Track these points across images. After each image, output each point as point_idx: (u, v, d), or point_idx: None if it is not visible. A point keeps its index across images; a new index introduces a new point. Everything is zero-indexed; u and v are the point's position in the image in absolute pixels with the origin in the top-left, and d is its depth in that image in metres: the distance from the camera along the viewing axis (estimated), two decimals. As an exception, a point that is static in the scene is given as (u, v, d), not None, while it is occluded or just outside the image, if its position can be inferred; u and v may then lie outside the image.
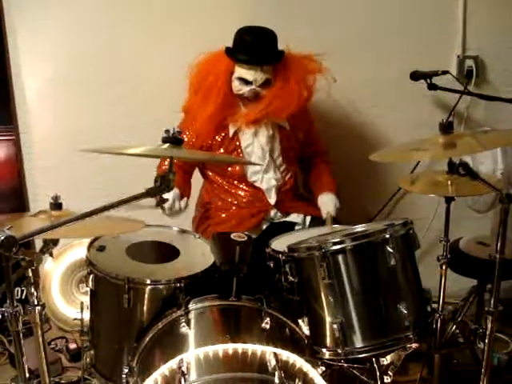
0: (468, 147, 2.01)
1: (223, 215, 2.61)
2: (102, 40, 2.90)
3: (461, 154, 2.18)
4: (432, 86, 2.85)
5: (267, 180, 2.59)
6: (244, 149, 2.55)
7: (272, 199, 2.60)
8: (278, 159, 2.61)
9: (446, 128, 1.95)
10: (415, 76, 2.87)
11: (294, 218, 2.65)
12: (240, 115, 2.49)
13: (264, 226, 2.63)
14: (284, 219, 2.65)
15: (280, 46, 2.51)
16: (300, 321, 1.92)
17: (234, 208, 2.61)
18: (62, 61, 2.91)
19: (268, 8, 2.92)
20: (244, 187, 2.60)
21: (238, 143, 2.55)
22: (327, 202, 2.57)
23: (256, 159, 2.56)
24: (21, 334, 1.45)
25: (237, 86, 2.46)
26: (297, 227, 2.61)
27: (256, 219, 2.60)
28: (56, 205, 1.82)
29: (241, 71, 2.43)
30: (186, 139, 2.48)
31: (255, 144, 2.55)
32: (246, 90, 2.44)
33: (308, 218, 2.64)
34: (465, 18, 3.03)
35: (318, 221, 2.58)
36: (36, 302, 1.65)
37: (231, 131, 2.53)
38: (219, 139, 2.54)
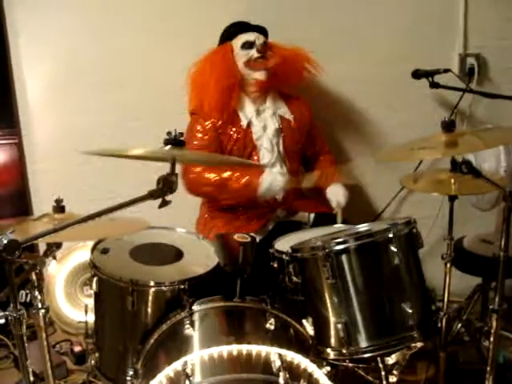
0: (471, 145, 2.01)
1: (229, 216, 2.62)
2: (104, 42, 2.91)
3: (463, 152, 2.18)
4: (434, 85, 2.84)
5: None
6: (256, 141, 2.59)
7: (279, 196, 2.60)
8: (283, 154, 2.63)
9: (448, 126, 1.94)
10: (417, 74, 2.86)
11: (299, 216, 2.66)
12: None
13: (270, 227, 2.63)
14: (290, 219, 2.66)
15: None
16: (304, 321, 1.92)
17: (240, 208, 2.61)
18: (63, 64, 2.92)
19: (271, 8, 2.92)
20: None
21: (250, 135, 2.59)
22: (337, 193, 2.57)
23: (265, 152, 2.59)
24: (24, 338, 1.45)
25: (243, 55, 2.57)
26: (302, 226, 2.61)
27: (263, 220, 2.60)
28: (59, 208, 1.82)
29: (242, 37, 2.59)
30: (199, 135, 2.56)
31: (264, 137, 2.59)
32: (253, 51, 2.57)
33: (312, 216, 2.64)
34: (466, 15, 3.02)
35: (321, 217, 2.59)
36: (40, 306, 1.66)
37: (244, 122, 2.58)
38: (232, 133, 2.58)
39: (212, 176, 2.49)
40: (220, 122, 2.57)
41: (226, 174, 2.48)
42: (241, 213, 2.61)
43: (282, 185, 2.48)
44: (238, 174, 2.48)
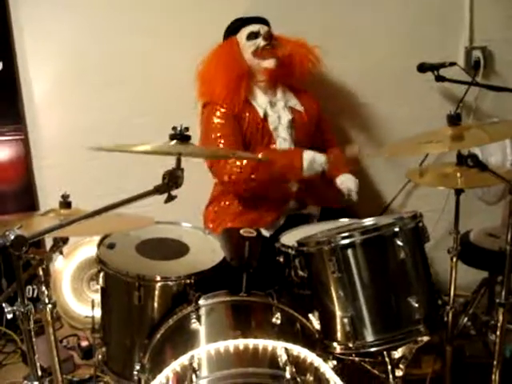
0: (477, 139, 2.00)
1: (240, 208, 2.62)
2: (108, 40, 2.92)
3: (469, 145, 2.17)
4: (440, 78, 2.84)
5: None
6: (272, 131, 2.61)
7: (294, 186, 2.59)
8: (296, 145, 2.64)
9: (454, 120, 1.94)
10: (422, 68, 2.86)
11: (310, 210, 2.66)
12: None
13: (282, 222, 2.61)
14: (300, 211, 2.66)
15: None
16: (310, 315, 1.92)
17: (252, 201, 2.59)
18: (69, 60, 2.93)
19: (273, 5, 2.92)
20: None
21: (267, 126, 2.60)
22: (347, 181, 2.58)
23: (282, 142, 2.61)
24: (32, 333, 1.45)
25: (250, 45, 2.61)
26: (312, 219, 2.61)
27: (275, 213, 2.59)
28: (65, 203, 1.83)
29: (246, 29, 2.62)
30: (219, 121, 2.55)
31: (280, 127, 2.62)
32: (259, 40, 2.60)
33: (319, 209, 2.66)
34: (472, 8, 3.01)
35: (329, 211, 2.60)
36: (47, 301, 1.67)
37: (261, 112, 2.59)
38: (250, 122, 2.58)
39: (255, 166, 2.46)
40: (235, 112, 2.56)
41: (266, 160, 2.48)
42: (253, 207, 2.60)
43: (322, 161, 2.47)
44: (278, 158, 2.48)
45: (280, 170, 2.47)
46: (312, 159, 2.46)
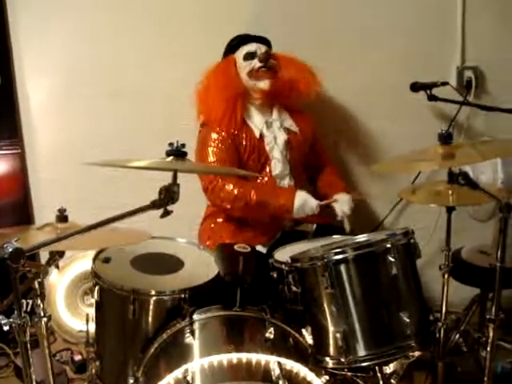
0: (468, 157, 2.03)
1: (236, 227, 2.62)
2: (106, 52, 2.94)
3: (460, 164, 2.20)
4: (432, 97, 2.87)
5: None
6: (268, 152, 2.61)
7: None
8: (292, 166, 2.66)
9: (446, 138, 1.96)
10: (415, 87, 2.89)
11: (304, 227, 2.67)
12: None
13: (277, 237, 2.63)
14: (294, 228, 2.67)
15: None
16: (303, 330, 1.94)
17: (248, 219, 2.61)
18: (66, 74, 2.95)
19: (271, 18, 2.96)
20: None
21: (264, 146, 2.61)
22: (342, 202, 2.59)
23: (276, 163, 2.62)
24: (28, 345, 1.46)
25: (246, 66, 2.60)
26: (306, 236, 2.60)
27: (270, 233, 2.61)
28: (62, 217, 1.84)
29: (244, 49, 2.63)
30: (214, 145, 2.55)
31: (275, 148, 2.62)
32: (255, 61, 2.60)
33: (314, 226, 2.66)
34: (463, 29, 3.05)
35: (323, 228, 2.61)
36: (42, 314, 1.68)
37: (257, 133, 2.60)
38: (246, 143, 2.59)
39: (248, 199, 2.48)
40: (232, 132, 2.57)
41: (258, 198, 2.48)
42: (249, 225, 2.61)
43: (314, 206, 2.48)
44: (271, 198, 2.49)
45: (270, 210, 2.50)
46: (303, 203, 2.47)
